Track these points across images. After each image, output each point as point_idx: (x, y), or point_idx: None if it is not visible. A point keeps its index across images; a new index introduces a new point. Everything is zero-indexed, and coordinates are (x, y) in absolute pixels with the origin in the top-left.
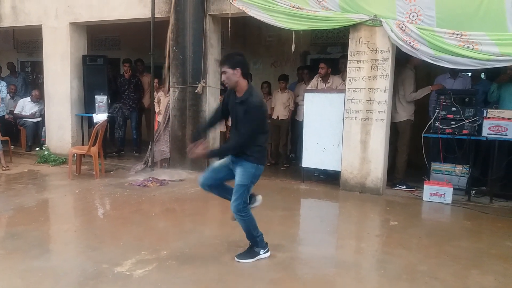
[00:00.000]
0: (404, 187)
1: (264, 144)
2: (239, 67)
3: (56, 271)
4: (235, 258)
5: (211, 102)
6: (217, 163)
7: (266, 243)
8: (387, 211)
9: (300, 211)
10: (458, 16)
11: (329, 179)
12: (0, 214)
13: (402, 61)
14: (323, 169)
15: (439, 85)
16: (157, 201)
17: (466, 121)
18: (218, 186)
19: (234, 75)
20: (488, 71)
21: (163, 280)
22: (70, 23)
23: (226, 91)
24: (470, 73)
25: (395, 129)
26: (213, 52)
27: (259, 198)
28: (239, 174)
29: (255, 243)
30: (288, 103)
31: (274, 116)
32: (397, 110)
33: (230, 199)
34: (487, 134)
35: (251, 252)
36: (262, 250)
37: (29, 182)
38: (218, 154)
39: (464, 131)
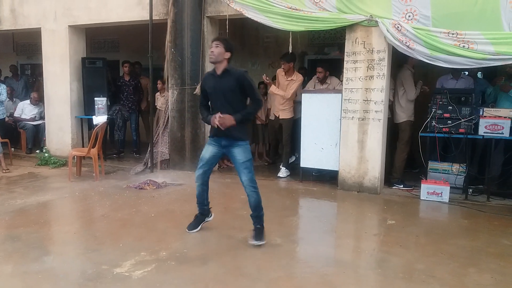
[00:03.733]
0: (402, 186)
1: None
2: (230, 53)
3: (56, 273)
4: (254, 242)
5: None
6: (206, 154)
7: None
8: (384, 210)
9: (298, 211)
10: (454, 15)
11: (324, 176)
12: (0, 216)
13: (401, 61)
14: (320, 169)
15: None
16: (156, 202)
17: (463, 120)
18: (208, 176)
19: (224, 54)
20: (484, 70)
21: (162, 281)
22: (69, 25)
23: None
24: (466, 72)
25: (395, 129)
26: None
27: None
28: (240, 152)
29: (260, 217)
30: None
31: (272, 117)
32: (397, 111)
33: (204, 202)
34: (484, 132)
35: (261, 232)
36: (263, 227)
37: (29, 185)
38: (245, 118)
39: (461, 130)
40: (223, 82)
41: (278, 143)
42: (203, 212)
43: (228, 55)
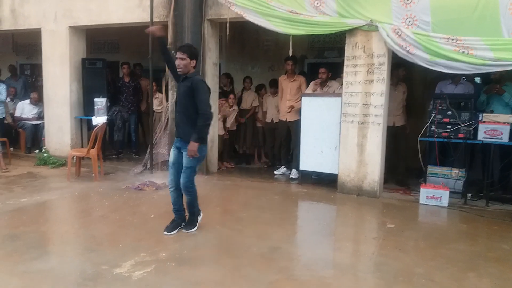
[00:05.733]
0: None
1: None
2: (195, 59)
3: (55, 273)
4: (185, 231)
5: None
6: (171, 158)
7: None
8: (384, 214)
9: (297, 214)
10: (453, 21)
11: (323, 179)
12: None
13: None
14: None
15: None
16: (155, 203)
17: (462, 125)
18: (179, 179)
19: (190, 64)
20: (483, 76)
21: (161, 282)
22: (69, 26)
23: (224, 93)
24: (465, 78)
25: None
26: (211, 56)
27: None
28: (186, 156)
29: (194, 212)
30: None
31: (268, 120)
32: None
33: (181, 208)
34: (483, 137)
35: (193, 221)
36: (199, 216)
37: (28, 184)
38: (202, 137)
39: (460, 135)
40: (181, 86)
41: (280, 144)
42: (181, 217)
43: (194, 63)
